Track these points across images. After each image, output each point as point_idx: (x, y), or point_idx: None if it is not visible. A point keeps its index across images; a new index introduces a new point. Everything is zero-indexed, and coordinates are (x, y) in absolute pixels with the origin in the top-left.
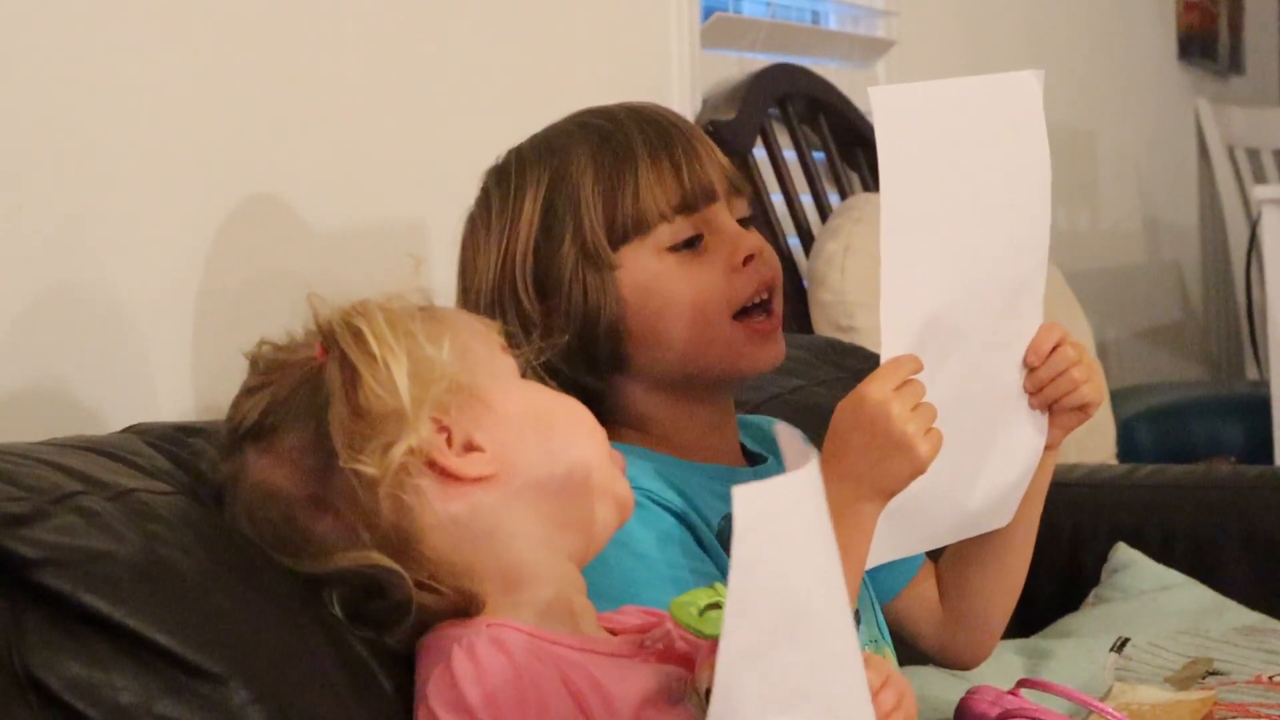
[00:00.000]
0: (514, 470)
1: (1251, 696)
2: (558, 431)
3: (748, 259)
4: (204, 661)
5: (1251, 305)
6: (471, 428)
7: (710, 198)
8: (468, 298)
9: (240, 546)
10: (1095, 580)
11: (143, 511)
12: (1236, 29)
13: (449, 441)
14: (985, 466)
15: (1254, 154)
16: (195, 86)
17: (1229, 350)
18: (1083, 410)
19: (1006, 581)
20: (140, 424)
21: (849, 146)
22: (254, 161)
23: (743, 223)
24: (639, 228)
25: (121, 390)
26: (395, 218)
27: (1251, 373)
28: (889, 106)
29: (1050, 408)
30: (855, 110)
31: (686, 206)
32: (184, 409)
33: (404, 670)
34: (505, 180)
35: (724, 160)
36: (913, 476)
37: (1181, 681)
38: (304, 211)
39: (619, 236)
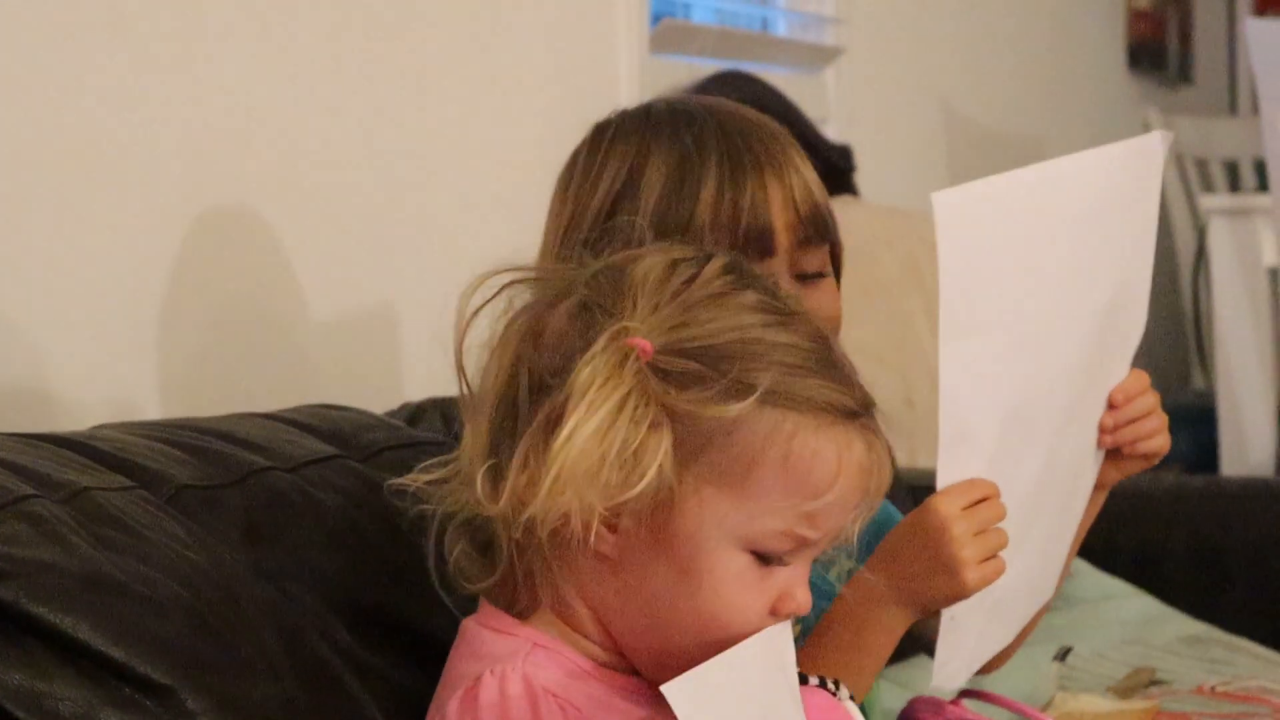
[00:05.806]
0: (639, 579)
1: (1193, 706)
2: (703, 604)
3: None
4: (151, 672)
5: (1199, 315)
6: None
7: (765, 253)
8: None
9: (200, 550)
10: None
11: (96, 514)
12: (1186, 39)
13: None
14: (1054, 545)
15: (1202, 164)
16: (163, 98)
17: (1175, 359)
18: (1147, 459)
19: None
20: (110, 424)
21: None
22: (219, 173)
23: (813, 277)
24: None
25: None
26: (339, 217)
27: (1198, 382)
28: (952, 212)
29: (1120, 450)
30: (803, 117)
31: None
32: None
33: (376, 678)
34: (596, 148)
35: (811, 204)
36: (952, 600)
37: (1124, 691)
38: (271, 223)
39: None
